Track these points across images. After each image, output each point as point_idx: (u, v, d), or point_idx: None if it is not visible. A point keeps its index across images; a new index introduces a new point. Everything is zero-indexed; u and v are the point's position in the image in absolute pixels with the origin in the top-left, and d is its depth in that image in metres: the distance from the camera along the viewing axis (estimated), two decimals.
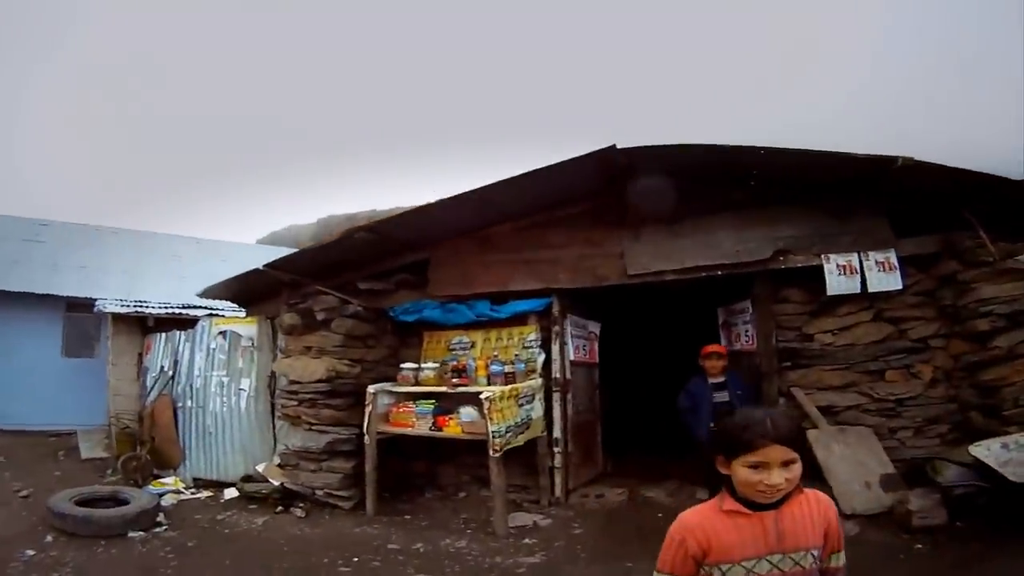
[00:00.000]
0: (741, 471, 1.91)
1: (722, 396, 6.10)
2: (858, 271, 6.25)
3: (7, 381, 13.18)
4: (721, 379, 6.21)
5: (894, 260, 6.21)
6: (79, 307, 13.43)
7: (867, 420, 6.32)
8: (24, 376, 13.30)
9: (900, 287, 6.22)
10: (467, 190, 6.72)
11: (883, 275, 6.22)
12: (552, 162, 6.22)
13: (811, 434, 6.13)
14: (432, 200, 6.96)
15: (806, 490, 2.01)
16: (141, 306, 11.85)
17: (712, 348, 6.37)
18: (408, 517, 7.09)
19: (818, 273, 6.37)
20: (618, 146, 6.03)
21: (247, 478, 8.22)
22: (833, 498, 5.52)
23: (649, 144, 5.99)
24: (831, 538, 2.03)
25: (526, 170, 6.31)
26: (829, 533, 2.02)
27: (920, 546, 5.13)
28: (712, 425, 5.56)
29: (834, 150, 5.65)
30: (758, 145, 5.76)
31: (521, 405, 6.75)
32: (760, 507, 1.94)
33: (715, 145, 5.83)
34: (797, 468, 1.90)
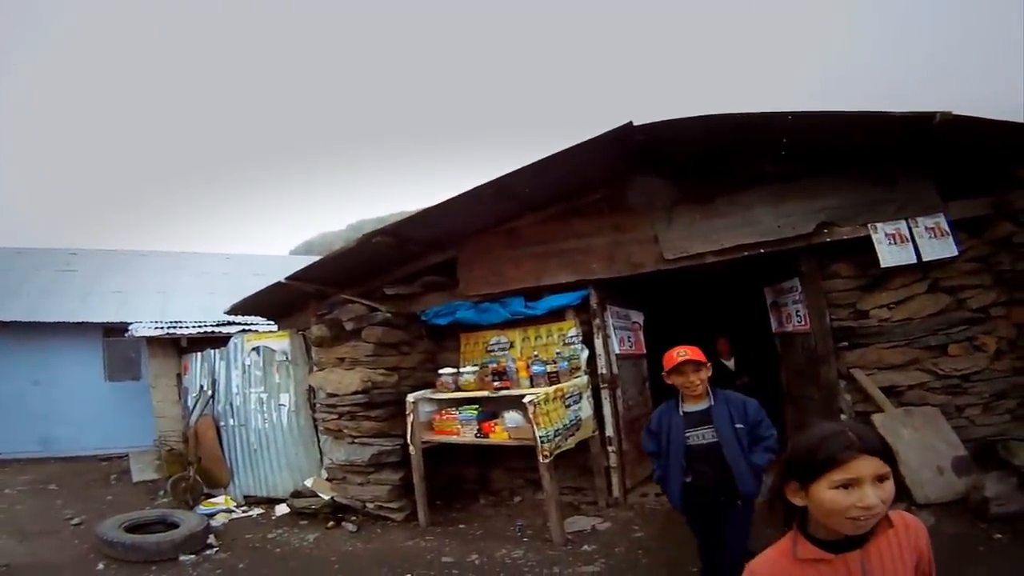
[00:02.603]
0: (826, 495, 1.58)
1: (702, 435, 3.90)
2: (908, 239, 5.90)
3: (53, 408, 13.50)
4: (703, 406, 3.95)
5: (945, 225, 5.88)
6: (116, 332, 13.52)
7: (932, 399, 6.00)
8: (69, 403, 13.60)
9: (955, 253, 5.86)
10: (483, 182, 6.45)
11: (935, 242, 5.87)
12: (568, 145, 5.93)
13: (877, 419, 5.83)
14: (448, 196, 6.70)
15: (892, 514, 1.68)
16: (174, 327, 11.85)
17: (681, 355, 3.92)
18: (462, 526, 6.93)
19: (866, 245, 6.03)
20: (634, 123, 5.72)
21: (296, 494, 8.15)
22: (905, 488, 5.24)
23: (665, 119, 5.67)
24: (922, 571, 1.74)
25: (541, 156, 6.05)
26: (920, 565, 1.73)
27: (1000, 536, 4.84)
28: (687, 480, 3.89)
29: (867, 110, 5.34)
30: (784, 111, 5.46)
31: (568, 406, 6.50)
32: (842, 547, 1.64)
33: (735, 114, 5.55)
34: (890, 486, 1.59)
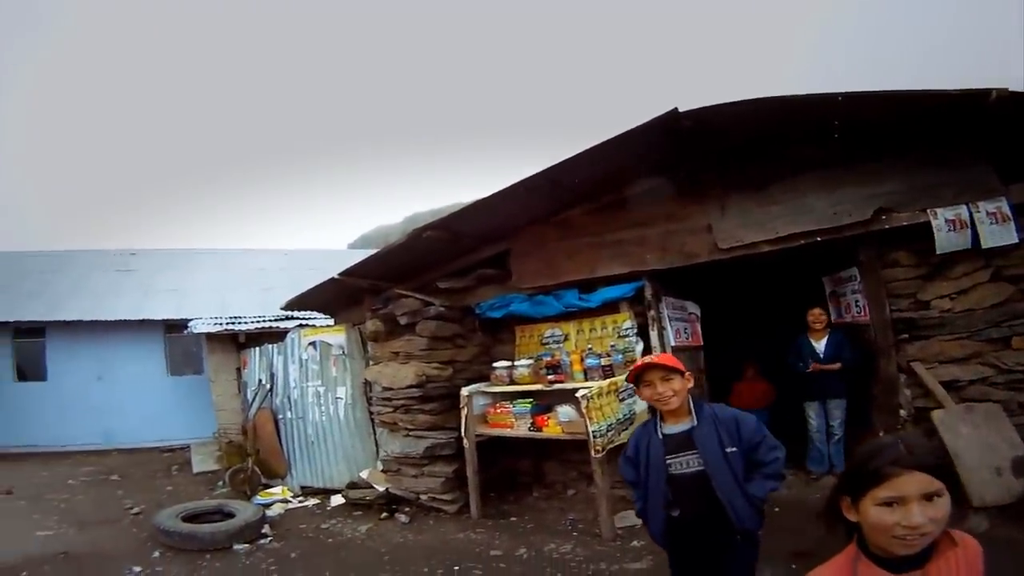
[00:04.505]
0: (872, 512, 1.54)
1: (686, 462, 3.13)
2: (968, 225, 5.63)
3: (117, 403, 13.99)
4: (684, 426, 3.19)
5: (1007, 210, 5.56)
6: (177, 328, 13.86)
7: (994, 395, 5.71)
8: (133, 397, 14.09)
9: (1015, 240, 5.55)
10: (532, 174, 6.39)
11: (997, 228, 5.57)
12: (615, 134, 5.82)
13: (936, 415, 5.64)
14: (497, 189, 6.67)
15: (953, 533, 1.60)
16: (232, 323, 12.09)
17: (645, 360, 3.32)
18: (514, 519, 6.95)
19: (924, 231, 5.77)
20: (680, 109, 5.59)
21: (352, 485, 8.26)
22: (960, 487, 4.97)
23: (712, 104, 5.51)
24: None
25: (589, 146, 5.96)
26: None
27: None
28: (674, 514, 3.16)
29: (919, 89, 5.12)
30: (834, 92, 5.27)
31: (622, 400, 6.43)
32: (901, 567, 1.56)
33: (782, 97, 5.38)
34: (943, 503, 1.52)
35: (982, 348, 5.85)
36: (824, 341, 6.98)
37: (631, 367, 6.38)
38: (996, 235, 5.58)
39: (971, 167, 5.78)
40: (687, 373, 3.21)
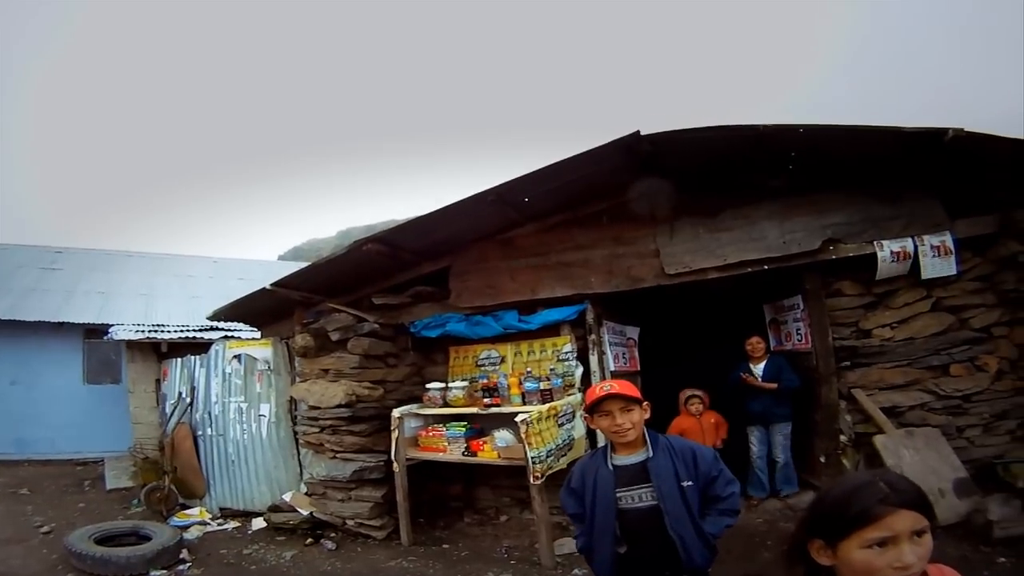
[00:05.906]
0: (858, 556, 1.40)
1: (639, 495, 2.91)
2: (912, 256, 5.86)
3: (30, 410, 13.24)
4: (639, 457, 2.95)
5: (950, 243, 5.84)
6: (97, 333, 13.29)
7: (933, 420, 5.97)
8: (47, 405, 13.36)
9: (955, 272, 5.86)
10: (481, 190, 6.22)
11: (938, 260, 5.86)
12: (572, 154, 5.72)
13: (878, 440, 5.80)
14: (445, 203, 6.45)
15: (932, 568, 1.47)
16: (155, 331, 11.63)
17: (604, 388, 2.95)
18: (446, 546, 6.66)
19: (869, 262, 5.97)
20: (642, 132, 5.52)
21: (274, 508, 7.88)
22: None
23: (675, 128, 5.50)
24: None
25: (544, 164, 5.84)
26: None
27: (1003, 559, 4.77)
28: (620, 551, 2.92)
29: (879, 125, 5.27)
30: (796, 123, 5.33)
31: (561, 425, 6.25)
32: None
33: (747, 126, 5.40)
34: (928, 541, 1.41)
35: (921, 375, 6.09)
36: (763, 365, 6.90)
37: (569, 391, 6.28)
38: (936, 267, 5.87)
39: (920, 201, 5.98)
40: (645, 403, 2.96)
